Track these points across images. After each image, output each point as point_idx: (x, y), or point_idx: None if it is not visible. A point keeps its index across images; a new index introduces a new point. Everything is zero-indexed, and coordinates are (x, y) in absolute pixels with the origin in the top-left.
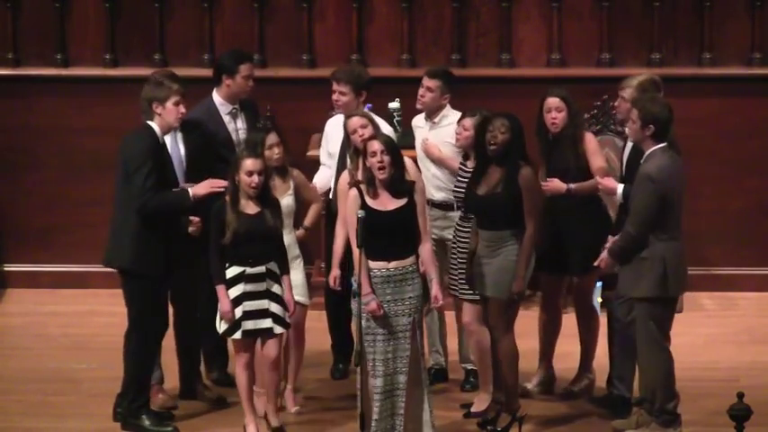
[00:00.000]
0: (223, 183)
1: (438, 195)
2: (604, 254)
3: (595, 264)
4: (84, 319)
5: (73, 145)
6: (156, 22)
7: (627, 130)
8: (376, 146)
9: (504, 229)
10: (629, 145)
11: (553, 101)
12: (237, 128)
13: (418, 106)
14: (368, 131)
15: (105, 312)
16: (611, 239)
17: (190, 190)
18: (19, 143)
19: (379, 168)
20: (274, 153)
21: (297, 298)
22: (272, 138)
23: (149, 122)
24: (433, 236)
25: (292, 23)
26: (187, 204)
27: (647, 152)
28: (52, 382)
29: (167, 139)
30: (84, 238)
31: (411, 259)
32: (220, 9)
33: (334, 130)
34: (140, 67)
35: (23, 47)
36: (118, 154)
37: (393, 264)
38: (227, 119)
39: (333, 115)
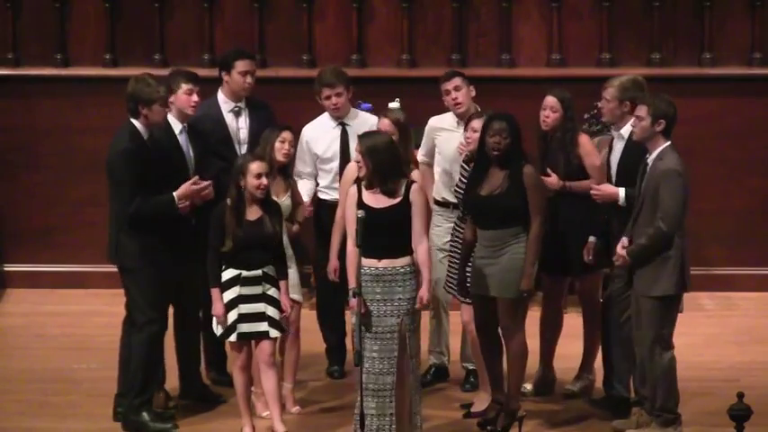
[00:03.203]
0: (204, 183)
1: None
2: (623, 253)
3: (614, 259)
4: (84, 319)
5: (73, 145)
6: (156, 22)
7: (612, 130)
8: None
9: (508, 227)
10: (619, 146)
11: (550, 99)
12: (239, 126)
13: (457, 111)
14: (394, 138)
15: (105, 312)
16: (591, 240)
17: (175, 194)
18: (19, 143)
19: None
20: (284, 147)
21: (292, 296)
22: (288, 134)
23: (133, 121)
24: None
25: (292, 23)
26: (174, 210)
27: (657, 151)
28: (52, 382)
29: (180, 139)
30: (84, 238)
31: (404, 260)
32: (220, 9)
33: (319, 135)
34: (140, 67)
35: (23, 47)
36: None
37: (383, 262)
38: (229, 117)
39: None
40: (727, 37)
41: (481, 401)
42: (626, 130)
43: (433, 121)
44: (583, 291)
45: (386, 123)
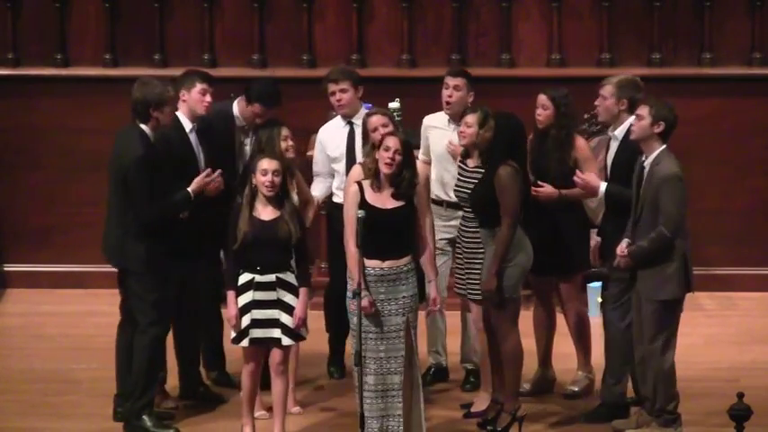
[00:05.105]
0: (213, 175)
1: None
2: (625, 255)
3: (614, 264)
4: (83, 320)
5: (73, 145)
6: (156, 22)
7: (610, 130)
8: (392, 142)
9: (484, 227)
10: (614, 145)
11: (541, 98)
12: (244, 142)
13: (446, 110)
14: (388, 131)
15: (105, 312)
16: (594, 238)
17: (189, 190)
18: (19, 143)
19: (387, 164)
20: (288, 144)
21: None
22: (286, 131)
23: (142, 126)
24: (449, 236)
25: (292, 23)
26: (191, 204)
27: (654, 155)
28: (52, 382)
29: (191, 138)
30: (84, 238)
31: (406, 259)
32: (220, 9)
33: (330, 135)
34: (140, 67)
35: (23, 47)
36: (113, 154)
37: (387, 263)
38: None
39: (333, 115)
40: (727, 37)
41: (481, 401)
42: (620, 130)
43: (427, 120)
44: (562, 293)
45: (377, 120)
